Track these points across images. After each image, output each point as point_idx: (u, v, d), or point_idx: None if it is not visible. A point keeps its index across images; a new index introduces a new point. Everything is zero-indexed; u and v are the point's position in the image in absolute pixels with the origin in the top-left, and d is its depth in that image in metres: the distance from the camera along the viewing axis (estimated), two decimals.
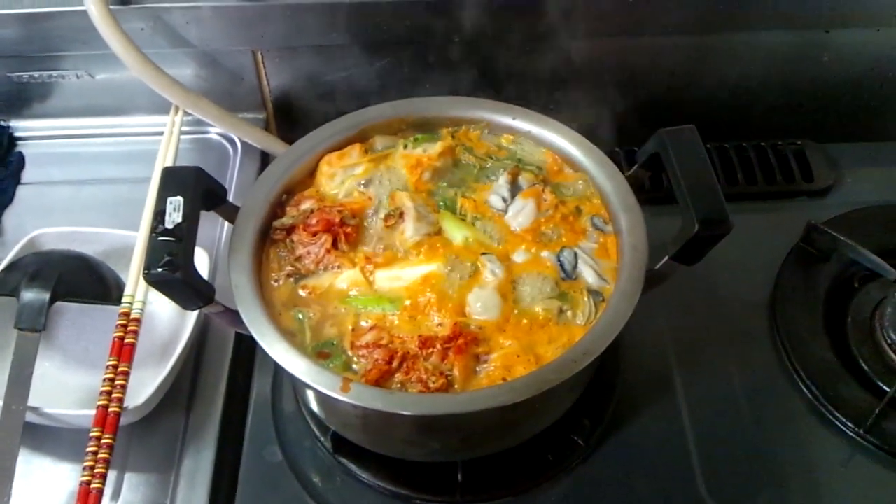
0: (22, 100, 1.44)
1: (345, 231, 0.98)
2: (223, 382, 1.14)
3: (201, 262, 1.15)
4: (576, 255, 0.97)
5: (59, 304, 1.13)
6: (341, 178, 1.05)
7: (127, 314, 1.10)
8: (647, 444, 1.09)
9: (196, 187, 0.89)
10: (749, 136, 1.44)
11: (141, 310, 1.11)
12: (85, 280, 1.16)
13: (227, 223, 1.04)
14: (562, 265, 0.96)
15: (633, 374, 1.15)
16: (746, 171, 1.39)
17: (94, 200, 1.36)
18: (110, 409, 1.02)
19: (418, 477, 1.05)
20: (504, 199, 1.02)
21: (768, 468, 1.07)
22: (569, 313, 0.93)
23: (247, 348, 1.18)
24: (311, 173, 1.06)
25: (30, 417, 1.03)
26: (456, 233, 0.99)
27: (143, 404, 1.04)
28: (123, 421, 1.03)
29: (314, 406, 1.06)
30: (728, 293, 1.23)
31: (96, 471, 0.98)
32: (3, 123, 1.46)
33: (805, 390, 1.12)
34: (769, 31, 1.36)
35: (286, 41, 1.33)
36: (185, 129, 1.35)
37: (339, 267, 0.97)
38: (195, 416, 1.11)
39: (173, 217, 0.86)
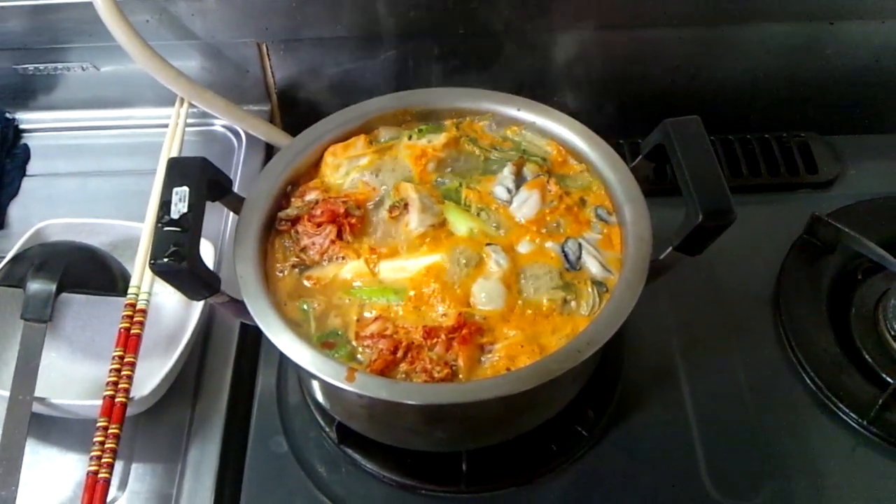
0: (27, 92, 1.45)
1: (349, 222, 0.98)
2: (229, 373, 1.14)
3: (207, 253, 1.15)
4: (580, 245, 0.97)
5: (65, 294, 1.13)
6: (346, 169, 1.05)
7: (133, 305, 1.10)
8: (651, 435, 1.09)
9: (202, 178, 0.90)
10: (753, 128, 1.44)
11: (147, 300, 1.11)
12: (91, 271, 1.16)
13: (232, 214, 1.04)
14: (566, 256, 0.97)
15: (637, 364, 1.15)
16: (750, 164, 1.39)
17: (99, 192, 1.37)
18: (117, 400, 1.02)
19: (423, 467, 1.06)
20: (509, 190, 1.02)
21: (772, 459, 1.07)
22: (573, 303, 0.93)
23: (252, 339, 1.18)
24: (316, 164, 1.06)
25: (37, 408, 1.03)
26: (460, 224, 0.99)
27: (150, 395, 1.05)
28: (130, 411, 1.03)
29: (319, 396, 1.06)
30: (732, 285, 1.23)
31: (103, 460, 0.99)
32: (8, 115, 1.46)
33: (808, 381, 1.12)
34: (773, 24, 1.36)
35: (291, 33, 1.34)
36: (190, 121, 1.35)
37: (343, 258, 0.97)
38: (201, 407, 1.11)
39: (179, 207, 0.86)
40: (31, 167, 1.43)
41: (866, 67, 1.43)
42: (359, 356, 0.90)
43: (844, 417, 1.09)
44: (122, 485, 1.05)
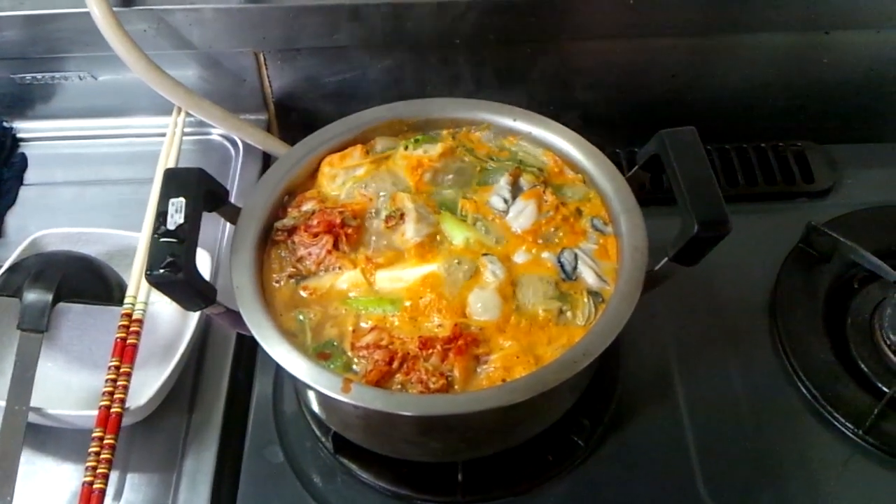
0: (25, 101, 1.45)
1: (346, 232, 0.98)
2: (225, 383, 1.14)
3: (203, 263, 1.15)
4: (576, 256, 0.97)
5: (61, 304, 1.13)
6: (342, 179, 1.05)
7: (129, 315, 1.10)
8: (647, 445, 1.09)
9: (198, 188, 0.90)
10: (749, 137, 1.44)
11: (143, 310, 1.11)
12: (87, 281, 1.16)
13: (228, 224, 1.04)
14: (562, 266, 0.97)
15: (634, 374, 1.15)
16: (747, 173, 1.39)
17: (96, 201, 1.37)
18: (112, 410, 1.02)
19: (419, 477, 1.06)
20: (505, 201, 1.02)
21: (768, 468, 1.07)
22: (569, 314, 0.93)
23: (248, 349, 1.18)
24: (313, 174, 1.07)
25: (32, 418, 1.03)
26: (456, 234, 0.99)
27: (145, 405, 1.05)
28: (125, 421, 1.03)
29: (315, 406, 1.06)
30: (728, 294, 1.23)
31: (98, 471, 0.99)
32: (6, 125, 1.46)
33: (805, 391, 1.13)
34: (769, 33, 1.37)
35: (288, 43, 1.34)
36: (187, 130, 1.36)
37: (339, 268, 0.97)
38: (197, 417, 1.11)
39: (175, 218, 0.86)
40: (29, 176, 1.43)
41: (862, 76, 1.43)
42: (354, 367, 0.90)
43: (840, 427, 1.09)
44: (118, 495, 1.05)
